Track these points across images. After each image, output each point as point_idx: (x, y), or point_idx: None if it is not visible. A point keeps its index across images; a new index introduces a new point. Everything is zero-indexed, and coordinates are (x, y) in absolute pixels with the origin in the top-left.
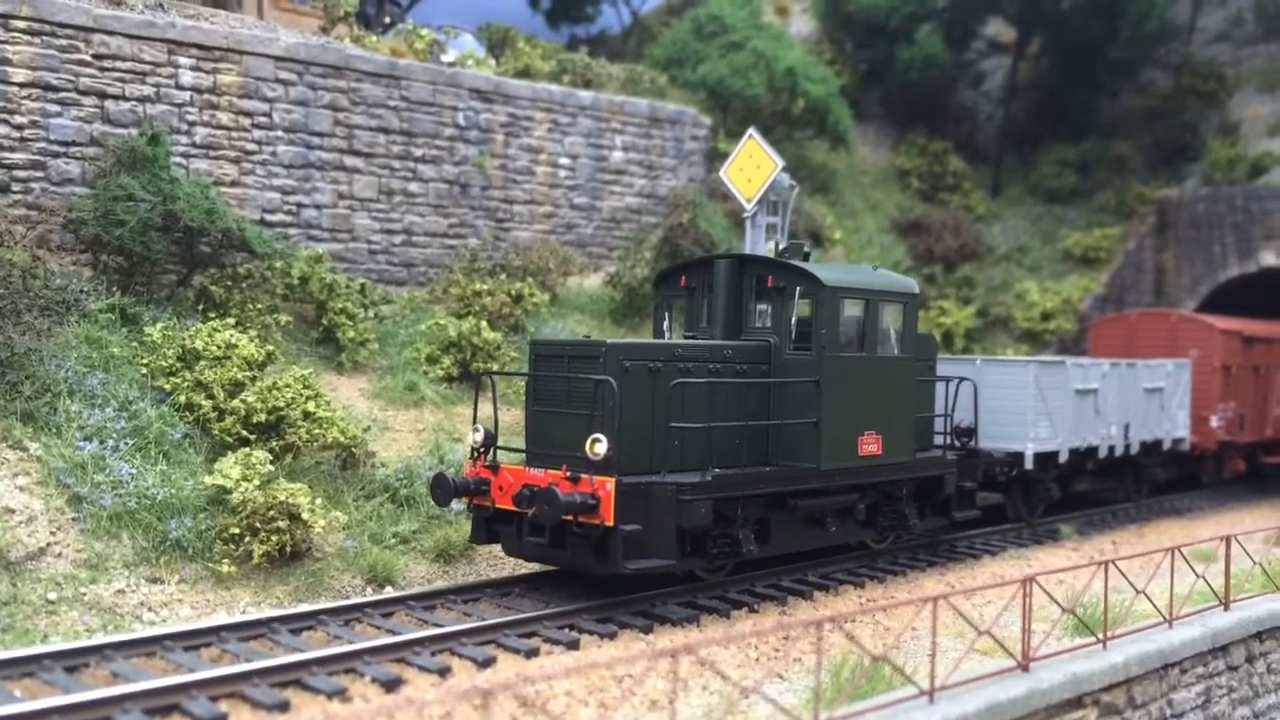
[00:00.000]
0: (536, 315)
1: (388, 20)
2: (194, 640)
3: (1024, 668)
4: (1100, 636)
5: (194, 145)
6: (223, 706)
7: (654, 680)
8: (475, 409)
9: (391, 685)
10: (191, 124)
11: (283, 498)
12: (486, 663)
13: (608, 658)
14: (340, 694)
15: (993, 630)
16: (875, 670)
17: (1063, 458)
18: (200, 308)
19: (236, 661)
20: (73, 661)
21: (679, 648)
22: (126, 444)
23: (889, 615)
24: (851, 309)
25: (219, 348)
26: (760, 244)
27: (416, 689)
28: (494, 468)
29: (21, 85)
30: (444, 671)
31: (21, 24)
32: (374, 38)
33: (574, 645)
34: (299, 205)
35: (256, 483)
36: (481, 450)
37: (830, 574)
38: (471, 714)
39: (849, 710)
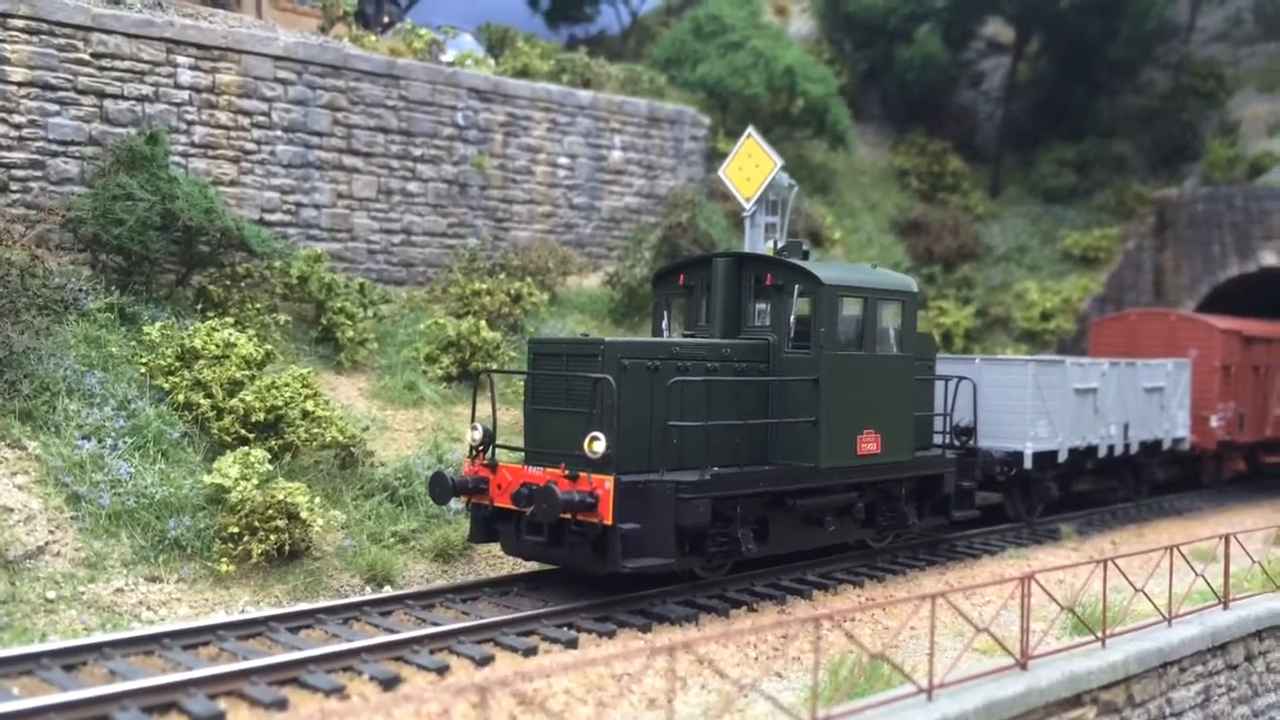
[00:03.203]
0: (535, 315)
1: (386, 20)
2: (192, 639)
3: (1022, 666)
4: (1099, 635)
5: (193, 144)
6: (221, 704)
7: (652, 679)
8: (474, 408)
9: (389, 683)
10: (190, 123)
11: (281, 497)
12: (484, 661)
13: (606, 655)
14: (338, 692)
15: (991, 629)
16: (873, 668)
17: (1062, 457)
18: (199, 307)
19: (235, 660)
20: (71, 660)
21: (676, 644)
22: (125, 443)
23: (888, 614)
24: (850, 307)
25: (217, 347)
26: (760, 243)
27: (414, 687)
28: (492, 466)
29: (20, 84)
30: (442, 670)
31: (20, 23)
32: (373, 37)
33: (572, 644)
34: (298, 205)
35: (255, 482)
36: (480, 449)
37: (829, 573)
38: (470, 713)
39: (847, 708)
